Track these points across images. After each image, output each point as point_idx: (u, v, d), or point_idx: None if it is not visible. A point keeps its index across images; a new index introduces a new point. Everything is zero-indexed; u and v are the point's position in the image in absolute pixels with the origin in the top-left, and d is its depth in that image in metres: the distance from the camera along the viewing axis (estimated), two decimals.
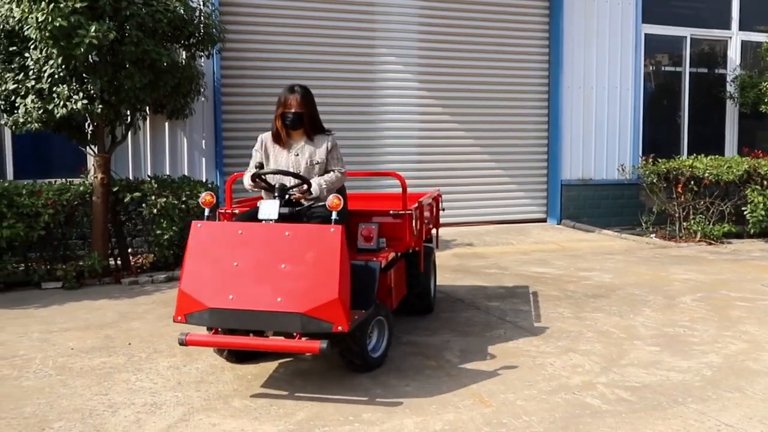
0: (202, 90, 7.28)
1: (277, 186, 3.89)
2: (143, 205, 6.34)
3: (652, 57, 10.23)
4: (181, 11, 6.36)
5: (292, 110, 4.11)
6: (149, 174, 7.30)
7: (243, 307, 3.38)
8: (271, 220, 3.69)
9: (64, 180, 6.59)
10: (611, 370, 3.85)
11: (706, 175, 8.26)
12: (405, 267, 4.72)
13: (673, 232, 8.55)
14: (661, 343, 4.35)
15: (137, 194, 6.37)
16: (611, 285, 6.00)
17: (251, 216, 3.89)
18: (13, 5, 5.82)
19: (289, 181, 3.97)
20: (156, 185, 6.44)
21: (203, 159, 7.81)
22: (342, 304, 3.31)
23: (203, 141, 7.81)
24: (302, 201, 3.92)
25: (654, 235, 8.64)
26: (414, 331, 4.62)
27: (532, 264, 6.93)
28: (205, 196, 3.82)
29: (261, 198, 4.15)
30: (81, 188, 6.43)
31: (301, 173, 4.03)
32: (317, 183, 3.95)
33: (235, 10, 8.09)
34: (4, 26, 6.15)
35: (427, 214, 5.03)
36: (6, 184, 6.16)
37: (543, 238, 8.45)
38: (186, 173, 7.52)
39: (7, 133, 7.26)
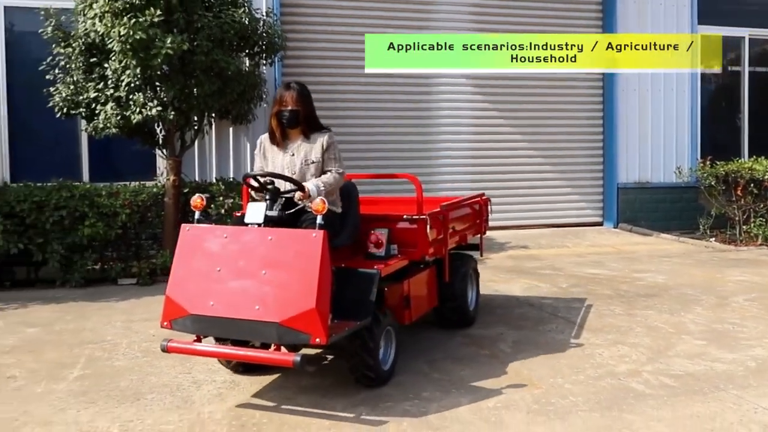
0: (264, 96, 7.82)
1: (269, 188, 3.78)
2: (211, 205, 6.89)
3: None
4: (246, 22, 6.92)
5: (288, 108, 4.02)
6: (216, 176, 7.88)
7: (223, 314, 3.37)
8: (256, 224, 3.61)
9: (137, 183, 7.20)
10: (657, 360, 4.17)
11: (767, 177, 8.38)
12: (434, 276, 4.57)
13: (733, 236, 8.69)
14: (709, 337, 4.63)
15: (206, 195, 6.92)
16: (664, 285, 6.25)
17: (242, 220, 3.81)
18: (96, 20, 6.46)
19: (284, 185, 3.84)
20: (223, 187, 7.00)
21: None
22: (320, 314, 3.24)
23: None
24: (305, 204, 3.77)
25: (714, 238, 8.79)
26: (469, 326, 5.00)
27: (587, 266, 7.22)
28: (195, 199, 3.77)
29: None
30: (154, 190, 7.04)
31: (296, 174, 3.94)
32: (314, 185, 3.83)
33: (295, 19, 8.63)
34: (85, 40, 6.80)
35: (459, 219, 4.89)
36: (87, 186, 6.81)
37: (599, 241, 8.70)
38: None
39: (84, 139, 7.93)
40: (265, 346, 3.71)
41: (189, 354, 3.69)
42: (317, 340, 3.26)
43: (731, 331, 4.79)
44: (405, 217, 4.25)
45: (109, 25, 6.24)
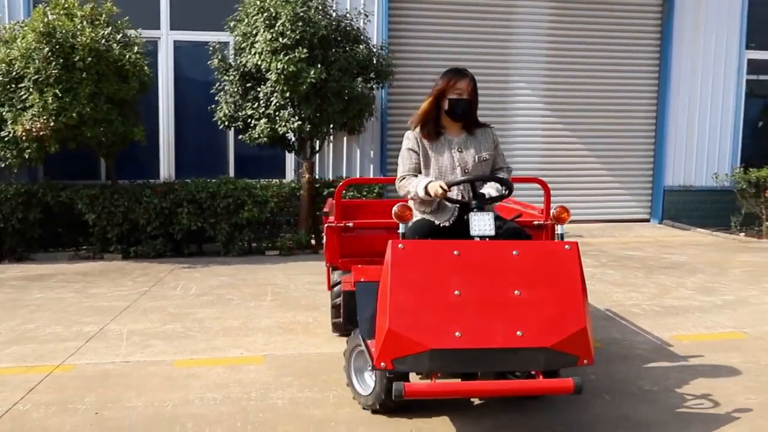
0: (374, 112, 10.25)
1: (484, 195, 3.71)
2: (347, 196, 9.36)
3: (755, 78, 12.25)
4: (365, 52, 9.32)
5: (464, 97, 3.78)
6: (332, 175, 10.37)
7: (474, 345, 3.07)
8: (488, 237, 3.44)
9: (277, 180, 9.75)
10: (655, 299, 6.38)
11: None
12: None
13: (759, 231, 10.62)
14: (698, 289, 6.80)
15: (332, 189, 9.43)
16: (684, 262, 8.36)
17: (432, 231, 3.72)
18: (255, 56, 8.98)
19: (487, 189, 3.78)
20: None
21: (371, 165, 10.81)
22: (589, 333, 3.18)
23: (371, 151, 10.81)
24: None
25: (742, 233, 10.74)
26: None
27: (627, 250, 9.36)
28: (401, 209, 3.43)
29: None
30: (292, 185, 9.58)
31: (469, 172, 3.84)
32: (495, 188, 3.80)
33: (399, 48, 11.03)
34: (243, 69, 9.36)
35: None
36: (247, 180, 9.38)
37: (642, 234, 10.79)
38: (359, 175, 10.50)
39: (231, 144, 10.56)
40: (502, 375, 3.51)
41: (434, 396, 3.44)
42: (585, 361, 3.16)
43: (717, 287, 6.92)
44: (535, 223, 4.53)
45: (268, 60, 8.77)
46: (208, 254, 9.21)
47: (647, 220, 11.95)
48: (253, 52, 8.95)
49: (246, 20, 9.03)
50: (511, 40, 11.44)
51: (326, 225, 4.60)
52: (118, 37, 8.65)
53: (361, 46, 9.33)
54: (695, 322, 5.64)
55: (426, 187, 3.71)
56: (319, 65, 8.68)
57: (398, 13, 10.97)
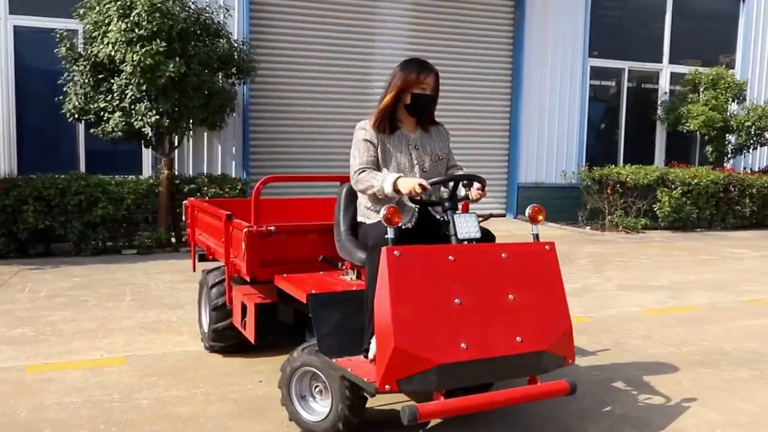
0: (236, 108, 10.10)
1: (466, 197, 3.56)
2: (198, 193, 9.14)
3: (597, 84, 13.23)
4: (227, 49, 9.18)
5: (428, 92, 3.60)
6: (192, 172, 10.12)
7: (481, 356, 2.92)
8: (474, 239, 3.25)
9: (133, 176, 9.39)
10: None
11: (628, 179, 11.20)
12: None
13: (603, 225, 11.48)
14: None
15: (193, 186, 9.21)
16: None
17: (410, 235, 3.41)
18: (108, 47, 8.59)
19: (462, 190, 3.59)
20: (207, 179, 9.29)
21: (233, 161, 10.64)
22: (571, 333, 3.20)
23: (233, 147, 10.65)
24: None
25: (588, 227, 11.57)
26: None
27: None
28: (390, 212, 3.05)
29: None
30: (150, 181, 9.25)
31: (427, 170, 3.64)
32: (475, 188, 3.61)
33: (261, 44, 10.92)
34: (94, 60, 8.93)
35: None
36: (100, 176, 8.94)
37: (499, 228, 11.22)
38: (220, 172, 10.31)
39: (81, 138, 10.05)
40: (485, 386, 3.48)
41: (449, 415, 3.16)
42: (570, 361, 3.19)
43: (565, 277, 7.37)
44: None
45: (122, 51, 8.42)
46: (58, 255, 8.73)
47: (504, 215, 12.59)
48: (105, 42, 8.58)
49: (97, 8, 8.62)
50: (373, 38, 11.66)
51: (246, 230, 3.89)
52: None
53: (222, 41, 9.19)
54: None
55: (395, 183, 3.38)
56: (178, 58, 8.46)
57: (260, 8, 10.88)
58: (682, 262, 8.67)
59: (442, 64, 12.06)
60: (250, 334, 4.08)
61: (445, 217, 3.38)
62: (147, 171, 10.22)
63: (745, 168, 13.58)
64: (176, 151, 9.81)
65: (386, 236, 3.06)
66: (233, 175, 10.41)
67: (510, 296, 3.10)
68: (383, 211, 3.05)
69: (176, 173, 9.84)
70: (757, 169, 13.42)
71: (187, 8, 8.98)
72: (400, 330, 2.84)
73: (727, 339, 5.35)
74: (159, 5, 8.31)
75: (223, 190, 9.24)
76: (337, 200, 3.95)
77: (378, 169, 3.60)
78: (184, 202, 5.68)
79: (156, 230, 9.05)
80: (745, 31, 13.96)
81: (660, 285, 7.25)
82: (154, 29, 8.25)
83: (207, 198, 8.96)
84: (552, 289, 3.24)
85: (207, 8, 9.29)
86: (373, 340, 3.09)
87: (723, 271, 8.13)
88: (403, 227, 3.49)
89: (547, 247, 3.34)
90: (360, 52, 11.55)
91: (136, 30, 8.25)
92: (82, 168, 10.07)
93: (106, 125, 8.86)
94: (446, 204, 3.40)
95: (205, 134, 10.44)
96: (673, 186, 11.17)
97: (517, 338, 3.02)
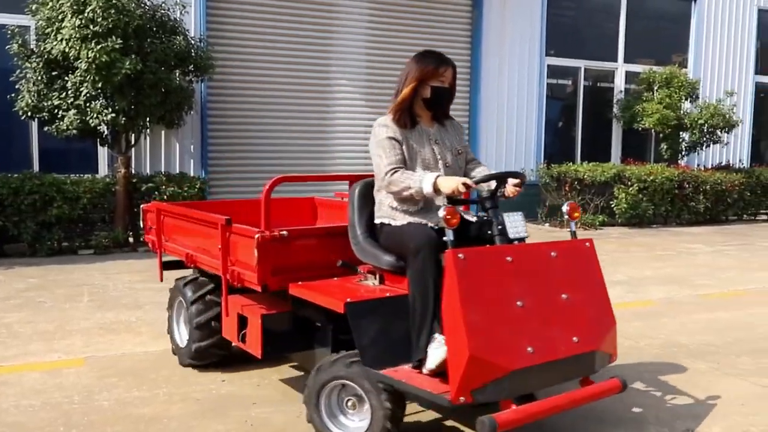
0: (194, 106, 10.00)
1: (498, 192, 3.40)
2: (156, 192, 9.02)
3: (554, 82, 13.43)
4: (184, 46, 9.09)
5: (447, 85, 3.52)
6: (149, 170, 9.98)
7: (546, 359, 2.89)
8: (524, 239, 3.25)
9: (89, 174, 9.22)
10: None
11: (586, 177, 11.40)
12: None
13: (562, 222, 11.66)
14: None
15: (151, 185, 9.09)
16: None
17: (431, 236, 3.17)
18: (61, 43, 8.43)
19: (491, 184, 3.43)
20: (165, 178, 9.17)
21: (192, 160, 10.53)
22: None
23: (191, 145, 10.54)
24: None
25: (548, 224, 11.74)
26: None
27: None
28: (450, 213, 2.92)
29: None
30: (107, 180, 9.10)
31: (449, 165, 3.53)
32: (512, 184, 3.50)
33: (219, 42, 10.82)
34: (47, 56, 8.74)
35: None
36: (55, 175, 8.76)
37: None
38: (178, 170, 10.20)
39: (34, 136, 9.84)
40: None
41: (525, 422, 2.89)
42: (614, 358, 3.21)
43: None
44: None
45: (77, 48, 8.27)
46: (12, 255, 8.54)
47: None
48: (59, 39, 8.42)
49: (50, 4, 8.45)
50: (331, 35, 11.62)
51: (258, 235, 3.53)
52: None
53: (179, 38, 9.09)
54: None
55: (435, 183, 3.23)
56: (134, 56, 8.35)
57: (217, 5, 10.77)
58: (639, 258, 8.87)
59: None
60: (254, 348, 3.78)
61: (488, 216, 3.33)
62: (103, 170, 10.04)
63: (698, 165, 13.91)
64: (133, 149, 9.69)
65: (445, 239, 2.95)
66: (192, 174, 10.29)
67: (563, 296, 3.07)
68: (442, 212, 2.92)
69: (133, 172, 9.70)
70: (710, 166, 13.75)
71: (142, 5, 8.86)
72: (473, 337, 2.74)
73: (684, 332, 5.50)
74: (114, 2, 8.18)
75: (181, 189, 9.14)
76: (350, 201, 3.75)
77: (405, 167, 3.45)
78: (141, 206, 5.22)
79: (113, 230, 8.92)
80: (696, 32, 14.31)
81: (618, 280, 7.41)
82: (110, 26, 8.12)
83: (165, 197, 8.95)
84: (596, 286, 3.23)
85: (163, 5, 9.17)
86: (431, 350, 3.02)
87: (679, 266, 8.34)
88: (437, 228, 3.32)
89: (587, 244, 3.32)
90: (318, 49, 11.51)
91: (91, 26, 8.10)
92: (36, 167, 9.85)
93: (61, 123, 8.71)
94: (487, 203, 3.35)
95: (163, 132, 10.29)
96: (629, 183, 11.40)
97: (574, 338, 3.01)
